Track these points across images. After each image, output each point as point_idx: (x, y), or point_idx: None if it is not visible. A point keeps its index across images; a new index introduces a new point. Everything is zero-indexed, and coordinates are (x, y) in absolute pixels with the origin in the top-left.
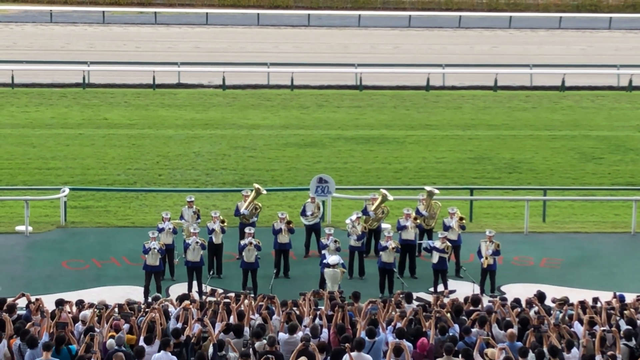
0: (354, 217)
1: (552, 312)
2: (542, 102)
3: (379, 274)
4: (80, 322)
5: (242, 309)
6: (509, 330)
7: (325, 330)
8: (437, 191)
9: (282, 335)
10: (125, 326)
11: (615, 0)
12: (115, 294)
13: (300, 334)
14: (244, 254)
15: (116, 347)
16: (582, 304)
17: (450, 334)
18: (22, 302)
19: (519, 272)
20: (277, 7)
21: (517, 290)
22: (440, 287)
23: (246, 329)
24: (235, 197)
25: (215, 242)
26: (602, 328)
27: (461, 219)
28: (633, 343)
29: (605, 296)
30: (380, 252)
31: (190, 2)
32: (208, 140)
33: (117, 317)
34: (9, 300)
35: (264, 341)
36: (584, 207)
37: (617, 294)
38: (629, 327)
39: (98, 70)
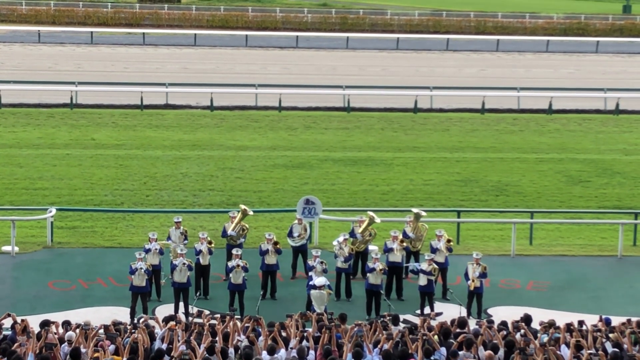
0: (341, 238)
1: (537, 335)
2: (530, 125)
3: (366, 295)
4: (66, 343)
5: (228, 330)
6: (487, 352)
7: (312, 352)
8: (424, 213)
9: (265, 357)
10: (111, 347)
11: (602, 24)
12: (101, 315)
13: (282, 353)
14: (231, 275)
15: None
16: (569, 326)
17: (437, 357)
18: (7, 323)
19: (506, 295)
20: (265, 29)
21: (504, 313)
22: (427, 310)
23: (231, 350)
24: (222, 218)
25: (203, 263)
26: (588, 351)
27: (449, 241)
28: None
29: (592, 319)
30: (368, 274)
31: (178, 23)
32: (195, 161)
33: (101, 338)
34: None
35: None
36: (571, 230)
37: (603, 317)
38: (616, 350)
39: (86, 90)
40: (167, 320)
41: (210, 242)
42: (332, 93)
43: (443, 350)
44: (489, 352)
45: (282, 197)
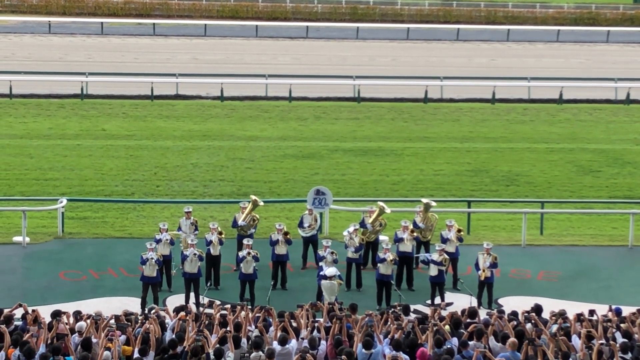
0: (351, 229)
1: (547, 325)
2: (540, 115)
3: (376, 286)
4: (77, 333)
5: (239, 320)
6: (510, 340)
7: (323, 342)
8: (434, 203)
9: (276, 347)
10: (122, 337)
11: (613, 14)
12: (112, 305)
13: (293, 343)
14: (242, 265)
15: None
16: (579, 317)
17: (448, 346)
18: (18, 313)
19: (517, 285)
20: (275, 19)
21: (515, 303)
22: (438, 300)
23: (243, 340)
24: (233, 208)
25: (213, 253)
26: (599, 341)
27: (459, 230)
28: (630, 356)
29: (602, 309)
30: (378, 264)
31: (188, 13)
32: (206, 151)
33: (112, 328)
34: (6, 311)
35: (261, 353)
36: (582, 220)
37: (613, 307)
38: (626, 340)
39: (96, 81)
40: (177, 310)
41: (220, 233)
42: (342, 83)
43: (454, 340)
44: (513, 339)
45: (292, 187)
